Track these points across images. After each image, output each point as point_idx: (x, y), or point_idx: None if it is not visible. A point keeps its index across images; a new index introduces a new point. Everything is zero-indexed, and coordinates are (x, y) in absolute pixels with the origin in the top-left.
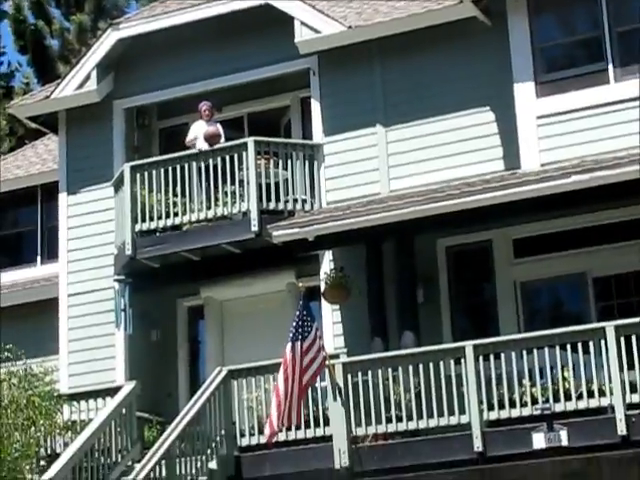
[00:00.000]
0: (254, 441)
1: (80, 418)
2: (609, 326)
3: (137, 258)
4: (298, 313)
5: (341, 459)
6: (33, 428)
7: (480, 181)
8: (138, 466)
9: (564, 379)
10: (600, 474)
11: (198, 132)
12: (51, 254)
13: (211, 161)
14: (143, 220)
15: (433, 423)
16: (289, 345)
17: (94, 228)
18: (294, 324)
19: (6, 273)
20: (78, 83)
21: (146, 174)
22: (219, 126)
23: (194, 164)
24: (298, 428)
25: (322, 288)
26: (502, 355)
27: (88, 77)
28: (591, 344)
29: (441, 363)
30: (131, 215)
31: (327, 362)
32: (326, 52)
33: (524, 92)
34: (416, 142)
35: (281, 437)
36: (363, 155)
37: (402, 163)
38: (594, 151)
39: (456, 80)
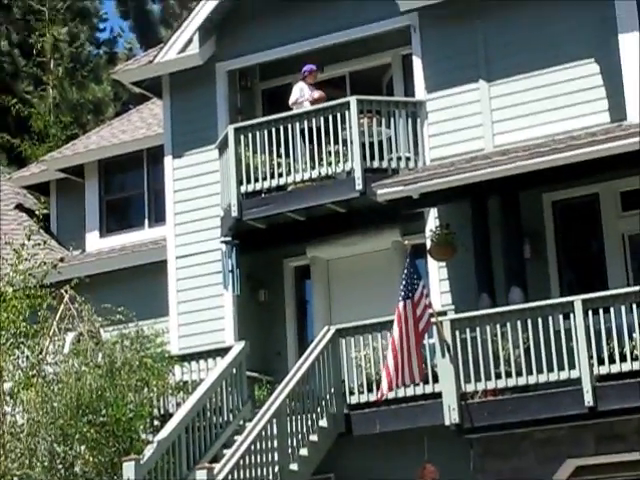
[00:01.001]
0: (363, 399)
1: (191, 378)
2: None
3: (243, 219)
4: (406, 271)
5: (451, 416)
6: (146, 389)
7: (585, 134)
8: (250, 425)
9: None
10: None
11: (302, 94)
12: (158, 217)
13: (314, 121)
14: (248, 181)
15: (543, 378)
16: (401, 303)
17: (200, 191)
18: (403, 282)
19: (115, 237)
20: (180, 47)
21: (250, 135)
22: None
23: (297, 124)
24: (409, 385)
25: (428, 245)
26: (611, 309)
27: (190, 41)
28: None
29: (549, 318)
30: (236, 177)
31: (435, 319)
32: (426, 8)
33: (629, 43)
34: (519, 96)
35: (390, 394)
36: (466, 111)
37: (506, 118)
38: None
39: (559, 33)
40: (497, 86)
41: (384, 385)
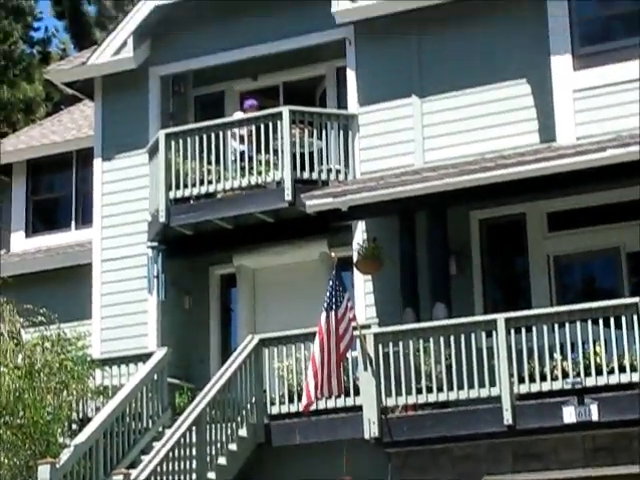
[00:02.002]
0: (284, 409)
1: (112, 383)
2: None
3: (171, 225)
4: (331, 283)
5: (371, 429)
6: (65, 392)
7: (515, 154)
8: (169, 432)
9: (595, 354)
10: (631, 449)
11: None
12: (85, 220)
13: (246, 129)
14: (177, 187)
15: (463, 395)
16: (323, 314)
17: (128, 195)
18: (328, 294)
19: (41, 237)
20: (115, 49)
21: (181, 141)
22: None
23: (229, 132)
24: (329, 397)
25: (355, 258)
26: (534, 328)
27: (125, 44)
28: (623, 319)
29: (472, 335)
30: (165, 182)
31: (358, 332)
32: (362, 22)
33: (561, 65)
34: (451, 114)
35: (311, 406)
36: (398, 126)
37: (437, 134)
38: (630, 125)
39: (493, 52)
40: (430, 102)
41: (304, 397)
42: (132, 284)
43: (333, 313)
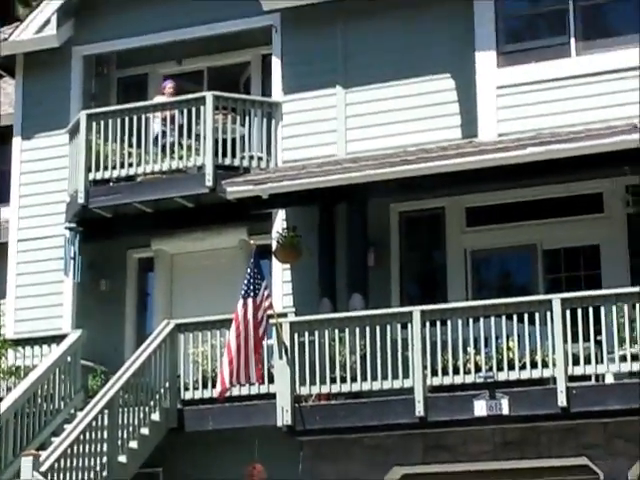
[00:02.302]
0: (198, 395)
1: (24, 364)
2: (556, 298)
3: (89, 207)
4: (249, 270)
5: (284, 417)
6: None
7: (437, 148)
8: (80, 414)
9: (508, 349)
10: (539, 443)
11: None
12: (3, 198)
13: (168, 113)
14: (97, 169)
15: (377, 386)
16: (240, 302)
17: (47, 175)
18: (245, 281)
19: None
20: (38, 27)
21: (102, 123)
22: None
23: (151, 115)
24: (245, 385)
25: (274, 247)
26: (449, 322)
27: (48, 21)
28: (537, 315)
29: (388, 327)
30: (85, 163)
31: (274, 320)
32: (289, 10)
33: (485, 61)
34: (375, 105)
35: (226, 393)
36: (321, 116)
37: (360, 126)
38: (551, 124)
39: (418, 46)
40: (353, 93)
41: (218, 384)
42: (48, 265)
43: (251, 300)
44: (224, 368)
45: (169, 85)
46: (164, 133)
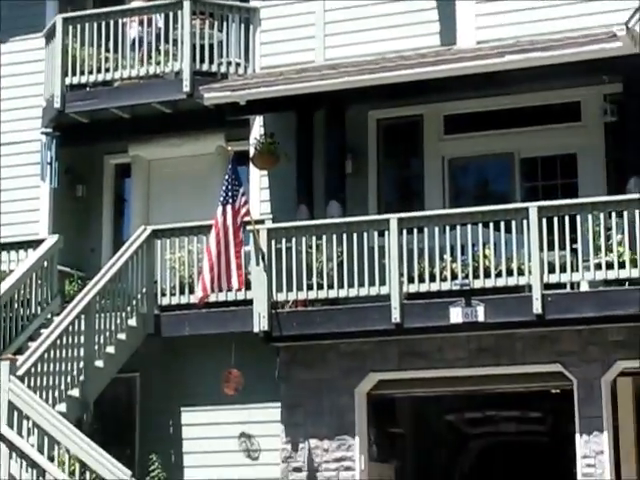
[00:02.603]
0: (175, 301)
1: (1, 269)
2: (532, 206)
3: (66, 112)
4: (227, 177)
5: (260, 323)
6: None
7: (416, 55)
8: (57, 319)
9: (485, 256)
10: (514, 350)
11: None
12: None
13: (146, 17)
14: (74, 74)
15: (353, 293)
16: (220, 208)
17: (25, 79)
18: (224, 188)
19: None
20: None
21: (79, 27)
22: None
23: (128, 20)
24: (228, 291)
25: (251, 153)
26: (425, 229)
27: None
28: (513, 223)
29: (365, 234)
30: (61, 68)
31: (252, 227)
32: None
33: None
34: (354, 12)
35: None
36: (300, 22)
37: (339, 32)
38: (531, 32)
39: None
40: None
41: (199, 289)
42: (24, 170)
43: (229, 207)
44: (205, 274)
45: None
46: (141, 38)
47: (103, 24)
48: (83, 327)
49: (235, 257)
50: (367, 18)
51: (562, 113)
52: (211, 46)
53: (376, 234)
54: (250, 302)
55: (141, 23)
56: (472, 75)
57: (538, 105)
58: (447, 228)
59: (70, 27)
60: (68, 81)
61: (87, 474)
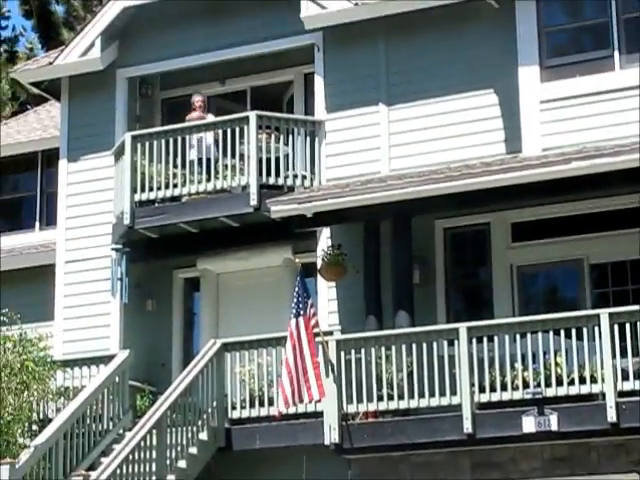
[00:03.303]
0: (245, 414)
1: (73, 385)
2: (603, 313)
3: (135, 228)
4: (296, 289)
5: (331, 435)
6: (26, 392)
7: (480, 164)
8: (129, 434)
9: (556, 364)
10: (589, 460)
11: None
12: (50, 220)
13: (213, 133)
14: (142, 190)
15: (424, 403)
16: (292, 321)
17: (93, 196)
18: (295, 300)
19: (5, 237)
20: (82, 50)
21: (147, 144)
22: (211, 116)
23: (195, 136)
24: (309, 403)
25: (319, 265)
26: (495, 338)
27: (92, 45)
28: (585, 330)
29: (434, 344)
30: (130, 185)
31: (321, 339)
32: (331, 28)
33: (528, 76)
34: (418, 122)
35: (272, 411)
36: (365, 133)
37: (403, 143)
38: (596, 138)
39: (461, 61)
40: (397, 110)
41: (280, 402)
42: (95, 286)
43: (302, 319)
44: (285, 386)
45: (197, 99)
46: (208, 159)
47: (170, 140)
48: (155, 442)
49: (313, 367)
50: (431, 128)
51: (631, 218)
52: (277, 159)
53: (446, 343)
54: (320, 414)
55: (199, 142)
56: (538, 182)
57: (606, 211)
58: (517, 336)
59: (139, 144)
60: (137, 197)
61: None
